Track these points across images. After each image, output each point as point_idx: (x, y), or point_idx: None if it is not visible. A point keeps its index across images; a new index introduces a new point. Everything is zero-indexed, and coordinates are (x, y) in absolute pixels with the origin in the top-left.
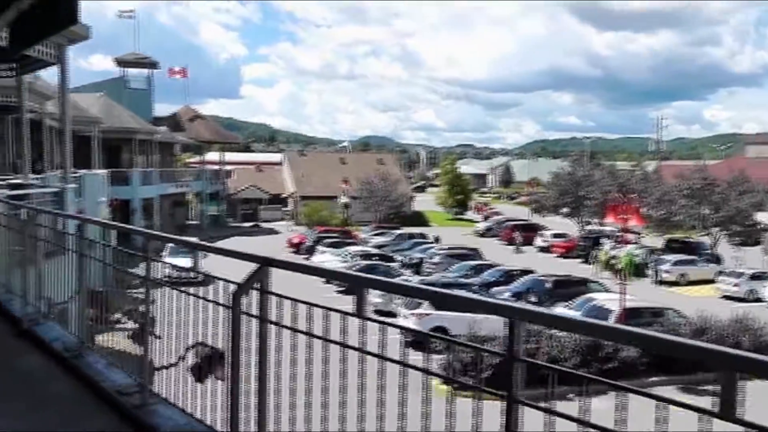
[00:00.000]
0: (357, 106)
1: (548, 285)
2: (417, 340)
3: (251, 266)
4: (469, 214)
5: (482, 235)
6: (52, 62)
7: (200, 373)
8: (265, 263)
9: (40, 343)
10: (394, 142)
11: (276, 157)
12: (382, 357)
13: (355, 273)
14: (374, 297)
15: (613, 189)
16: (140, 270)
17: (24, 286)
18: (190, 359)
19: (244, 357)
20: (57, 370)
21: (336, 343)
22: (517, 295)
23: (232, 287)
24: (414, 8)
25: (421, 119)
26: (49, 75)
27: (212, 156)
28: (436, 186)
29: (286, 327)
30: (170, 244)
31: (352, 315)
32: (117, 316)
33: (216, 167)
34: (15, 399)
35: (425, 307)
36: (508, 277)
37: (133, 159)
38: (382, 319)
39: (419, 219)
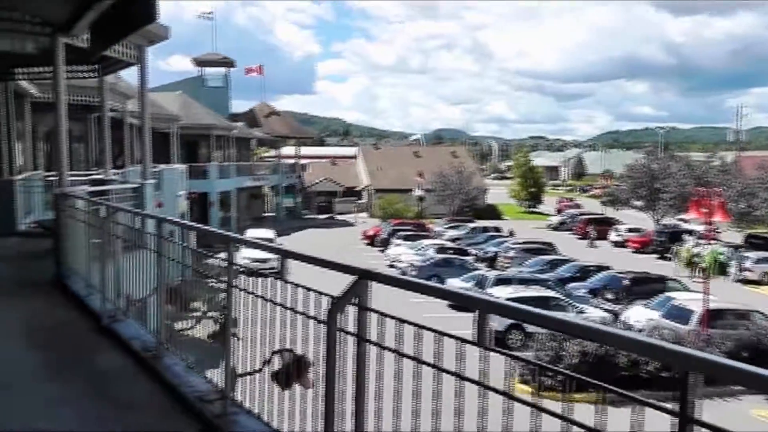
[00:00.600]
0: (429, 99)
1: (626, 282)
2: (497, 337)
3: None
4: (542, 207)
5: (556, 228)
6: (132, 62)
7: (286, 380)
8: (365, 276)
9: (119, 341)
10: (466, 135)
11: (350, 150)
12: (509, 396)
13: (477, 295)
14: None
15: (690, 182)
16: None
17: (103, 281)
18: (276, 365)
19: (339, 381)
20: (135, 370)
21: (450, 373)
22: (594, 292)
23: (325, 301)
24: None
25: (492, 111)
26: (129, 75)
27: (288, 150)
28: (508, 178)
29: (389, 349)
30: (248, 235)
31: (470, 343)
32: (197, 307)
33: (291, 161)
34: (95, 400)
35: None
36: (584, 272)
37: (211, 154)
38: (507, 351)
39: (492, 212)
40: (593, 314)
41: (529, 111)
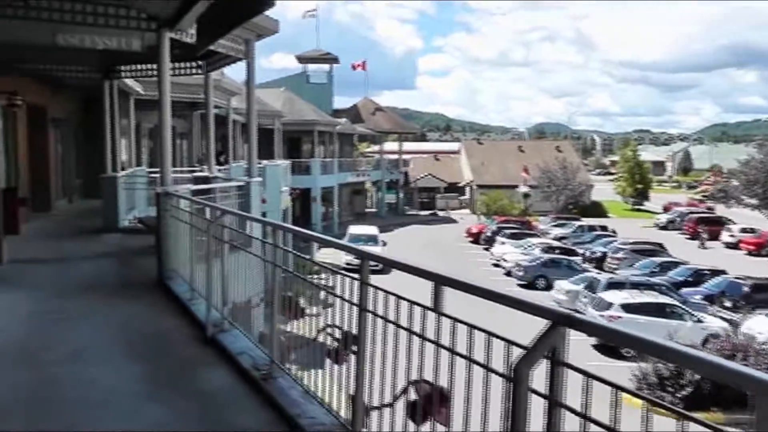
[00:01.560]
0: (531, 92)
1: (746, 289)
2: (607, 345)
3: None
4: (648, 204)
5: (664, 228)
6: (239, 57)
7: (423, 415)
8: (562, 321)
9: (226, 356)
10: (568, 129)
11: (453, 145)
12: None
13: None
14: (559, 294)
15: None
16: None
17: (208, 287)
18: (412, 397)
19: None
20: (244, 391)
21: None
22: (709, 298)
23: (514, 354)
24: None
25: (595, 104)
26: (233, 72)
27: (390, 145)
28: (611, 174)
29: (601, 425)
30: (351, 231)
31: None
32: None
33: (394, 156)
34: (200, 425)
35: (615, 309)
36: (698, 276)
37: (313, 149)
38: None
39: (597, 209)
40: (712, 324)
41: (632, 103)
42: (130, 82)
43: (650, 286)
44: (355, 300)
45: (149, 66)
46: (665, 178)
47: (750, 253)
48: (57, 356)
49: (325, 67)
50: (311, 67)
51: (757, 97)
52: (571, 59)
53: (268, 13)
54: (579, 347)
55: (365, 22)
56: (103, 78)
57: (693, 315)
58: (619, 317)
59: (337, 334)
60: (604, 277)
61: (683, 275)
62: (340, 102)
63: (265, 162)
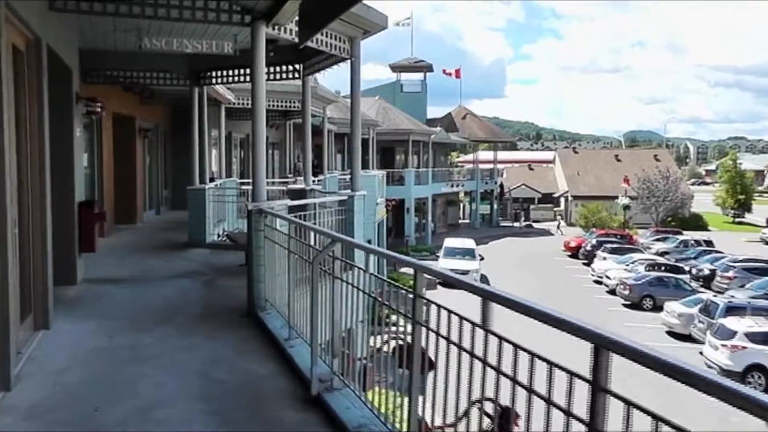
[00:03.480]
0: (621, 100)
1: None
2: (727, 377)
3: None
4: (749, 217)
5: None
6: (344, 57)
7: None
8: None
9: (337, 426)
10: (660, 137)
11: (547, 155)
12: None
13: None
14: (670, 317)
15: None
16: None
17: (312, 331)
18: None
19: None
20: None
21: None
22: None
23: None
24: None
25: (687, 111)
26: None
27: (483, 155)
28: (707, 184)
29: None
30: (447, 244)
31: None
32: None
33: (487, 166)
34: None
35: (740, 338)
36: None
37: (407, 159)
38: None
39: (697, 222)
40: None
41: (726, 109)
42: (221, 89)
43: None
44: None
45: (241, 72)
46: (766, 188)
47: None
48: (117, 417)
49: (419, 76)
50: (404, 76)
51: None
52: (662, 65)
53: (377, 5)
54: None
55: (455, 32)
56: (192, 85)
57: None
58: (744, 347)
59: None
60: (721, 300)
61: None
62: (432, 112)
63: (360, 172)
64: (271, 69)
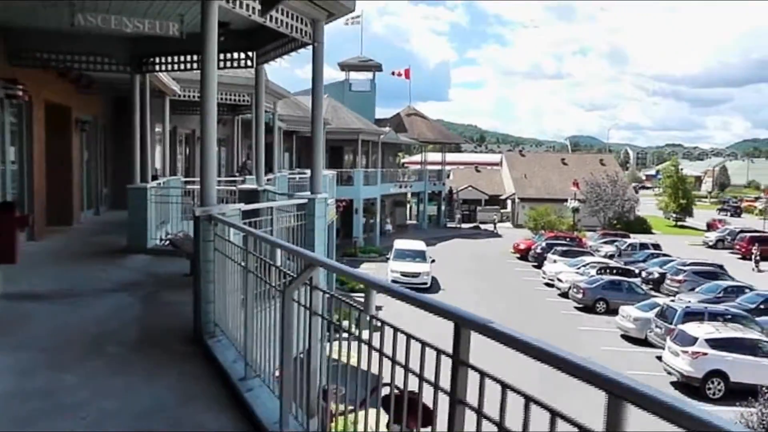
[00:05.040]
0: (563, 105)
1: None
2: (690, 384)
3: None
4: (690, 221)
5: (713, 246)
6: (305, 42)
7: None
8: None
9: None
10: (600, 142)
11: (495, 157)
12: None
13: None
14: (626, 321)
15: None
16: None
17: (283, 381)
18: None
19: None
20: None
21: None
22: None
23: None
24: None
25: (626, 118)
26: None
27: (430, 156)
28: (647, 188)
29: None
30: (397, 246)
31: None
32: None
33: (434, 167)
34: None
35: (701, 345)
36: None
37: (356, 159)
38: None
39: (642, 225)
40: None
41: (663, 117)
42: (165, 78)
43: (731, 317)
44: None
45: (188, 58)
46: (704, 193)
47: None
48: None
49: (368, 75)
50: (353, 75)
51: None
52: (604, 72)
53: None
54: None
55: (400, 34)
56: (134, 72)
57: None
58: (705, 354)
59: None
60: (678, 306)
61: (753, 302)
62: (380, 112)
63: (309, 171)
64: (221, 56)
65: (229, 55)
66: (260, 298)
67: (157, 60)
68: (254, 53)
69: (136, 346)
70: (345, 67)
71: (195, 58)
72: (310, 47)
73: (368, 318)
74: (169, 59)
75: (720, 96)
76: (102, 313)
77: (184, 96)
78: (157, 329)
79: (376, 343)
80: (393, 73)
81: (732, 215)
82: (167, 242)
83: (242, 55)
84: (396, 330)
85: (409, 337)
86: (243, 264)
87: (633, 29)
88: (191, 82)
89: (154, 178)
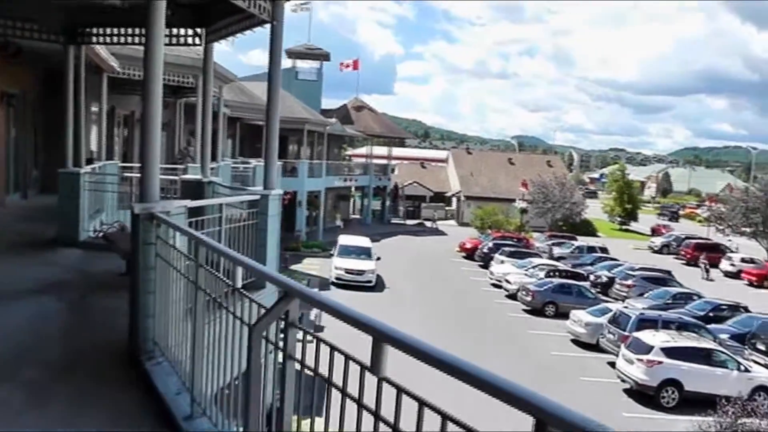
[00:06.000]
0: (508, 105)
1: None
2: (644, 392)
3: None
4: (635, 225)
5: (658, 251)
6: (264, 20)
7: None
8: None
9: None
10: (544, 143)
11: (441, 153)
12: None
13: None
14: (576, 326)
15: None
16: None
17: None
18: None
19: None
20: None
21: None
22: (739, 339)
23: None
24: (570, 5)
25: (570, 120)
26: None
27: (375, 150)
28: (591, 191)
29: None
30: (341, 242)
31: None
32: None
33: (380, 161)
34: None
35: (656, 353)
36: (717, 311)
37: (300, 150)
38: None
39: (587, 228)
40: (760, 374)
41: (607, 122)
42: (104, 53)
43: (684, 325)
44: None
45: (130, 31)
46: (647, 198)
47: (752, 285)
48: None
49: (315, 64)
50: (299, 63)
51: (726, 124)
52: (549, 74)
53: None
54: None
55: (346, 25)
56: (67, 43)
57: (739, 363)
58: (660, 362)
59: None
60: (632, 312)
61: (703, 309)
62: (325, 103)
63: (253, 161)
64: (166, 32)
65: (175, 31)
66: (210, 310)
67: (95, 31)
68: (204, 30)
69: (59, 369)
70: (292, 54)
71: (138, 31)
72: (267, 26)
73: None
74: (108, 31)
75: (662, 104)
76: (19, 323)
77: (124, 74)
78: (86, 345)
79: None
80: (341, 65)
81: (670, 220)
82: (101, 234)
83: (190, 32)
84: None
85: (332, 348)
86: (192, 279)
87: (580, 33)
88: (132, 59)
89: (90, 161)
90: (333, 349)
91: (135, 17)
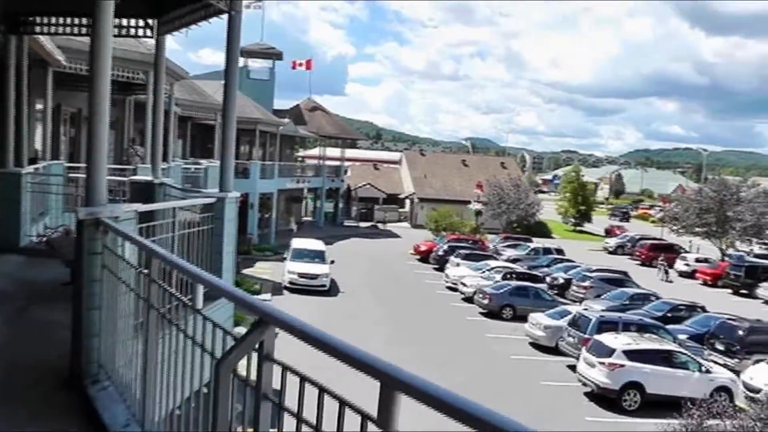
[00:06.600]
0: (459, 107)
1: (741, 332)
2: (606, 396)
3: None
4: (589, 226)
5: (613, 252)
6: (222, 9)
7: None
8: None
9: None
10: (496, 145)
11: (394, 155)
12: None
13: None
14: (535, 329)
15: None
16: None
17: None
18: None
19: None
20: None
21: None
22: (698, 339)
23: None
24: (521, 8)
25: (523, 122)
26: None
27: (328, 152)
28: (543, 192)
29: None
30: (294, 246)
31: None
32: None
33: (333, 163)
34: None
35: (618, 356)
36: (675, 311)
37: (252, 151)
38: None
39: (542, 229)
40: (720, 375)
41: (559, 124)
42: (48, 45)
43: (644, 327)
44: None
45: (77, 21)
46: (600, 199)
47: (706, 284)
48: None
49: (267, 63)
50: (251, 62)
51: (676, 126)
52: (501, 76)
53: None
54: None
55: (298, 24)
56: (8, 32)
57: (700, 364)
58: (622, 366)
59: None
60: (592, 315)
61: (661, 310)
62: (276, 104)
63: (205, 162)
64: (116, 22)
65: (125, 22)
66: (162, 326)
67: (39, 20)
68: (156, 21)
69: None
70: (244, 52)
71: (85, 21)
72: (220, 20)
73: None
74: (53, 20)
75: (613, 106)
76: None
77: (71, 68)
78: (21, 366)
79: None
80: (294, 64)
81: (621, 220)
82: (44, 240)
83: (141, 23)
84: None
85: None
86: (143, 296)
87: (531, 36)
88: (80, 52)
89: (33, 161)
90: (322, 391)
91: (82, 5)
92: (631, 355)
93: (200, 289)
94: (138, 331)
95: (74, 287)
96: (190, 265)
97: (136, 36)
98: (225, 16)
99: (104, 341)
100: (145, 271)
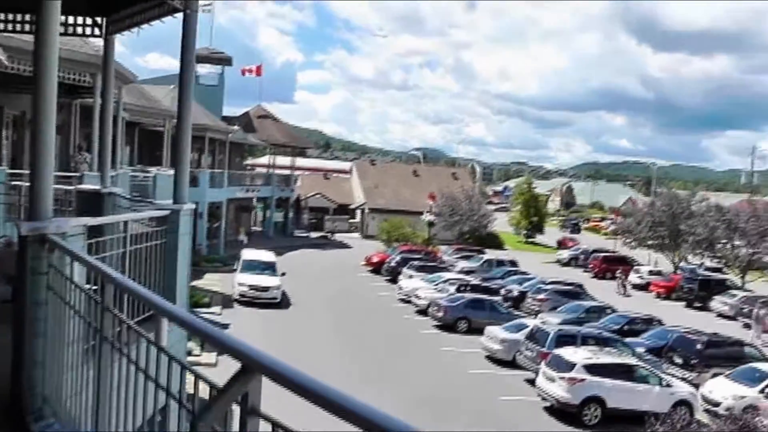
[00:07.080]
0: (409, 116)
1: (699, 346)
2: (566, 410)
3: None
4: (540, 238)
5: (566, 264)
6: (177, 8)
7: None
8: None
9: None
10: (445, 155)
11: (344, 165)
12: None
13: None
14: (492, 342)
15: (720, 224)
16: None
17: None
18: None
19: None
20: None
21: None
22: (656, 352)
23: None
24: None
25: (472, 133)
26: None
27: (278, 160)
28: (493, 204)
29: None
30: (244, 257)
31: None
32: None
33: (283, 172)
34: None
35: (578, 371)
36: (631, 324)
37: (201, 158)
38: None
39: (494, 241)
40: (681, 389)
41: (508, 135)
42: None
43: (603, 340)
44: None
45: (18, 17)
46: (551, 211)
47: (660, 297)
48: None
49: (216, 69)
50: (200, 68)
51: (624, 140)
52: (450, 87)
53: None
54: None
55: (245, 29)
56: None
57: (660, 378)
58: (583, 380)
59: None
60: (550, 328)
61: (618, 323)
62: (225, 110)
63: (153, 170)
64: (61, 19)
65: (71, 20)
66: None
67: None
68: (104, 20)
69: None
70: None
71: (28, 18)
72: (180, 16)
73: None
74: None
75: (562, 119)
76: None
77: (13, 68)
78: None
79: None
80: (244, 70)
81: (572, 232)
82: None
83: (89, 21)
84: None
85: None
86: (96, 325)
87: (480, 47)
88: (23, 51)
89: None
90: None
91: (24, 1)
92: (592, 369)
93: (165, 324)
94: (88, 355)
95: (14, 309)
96: (153, 294)
97: (83, 35)
98: (179, 15)
99: (49, 371)
100: (98, 298)
